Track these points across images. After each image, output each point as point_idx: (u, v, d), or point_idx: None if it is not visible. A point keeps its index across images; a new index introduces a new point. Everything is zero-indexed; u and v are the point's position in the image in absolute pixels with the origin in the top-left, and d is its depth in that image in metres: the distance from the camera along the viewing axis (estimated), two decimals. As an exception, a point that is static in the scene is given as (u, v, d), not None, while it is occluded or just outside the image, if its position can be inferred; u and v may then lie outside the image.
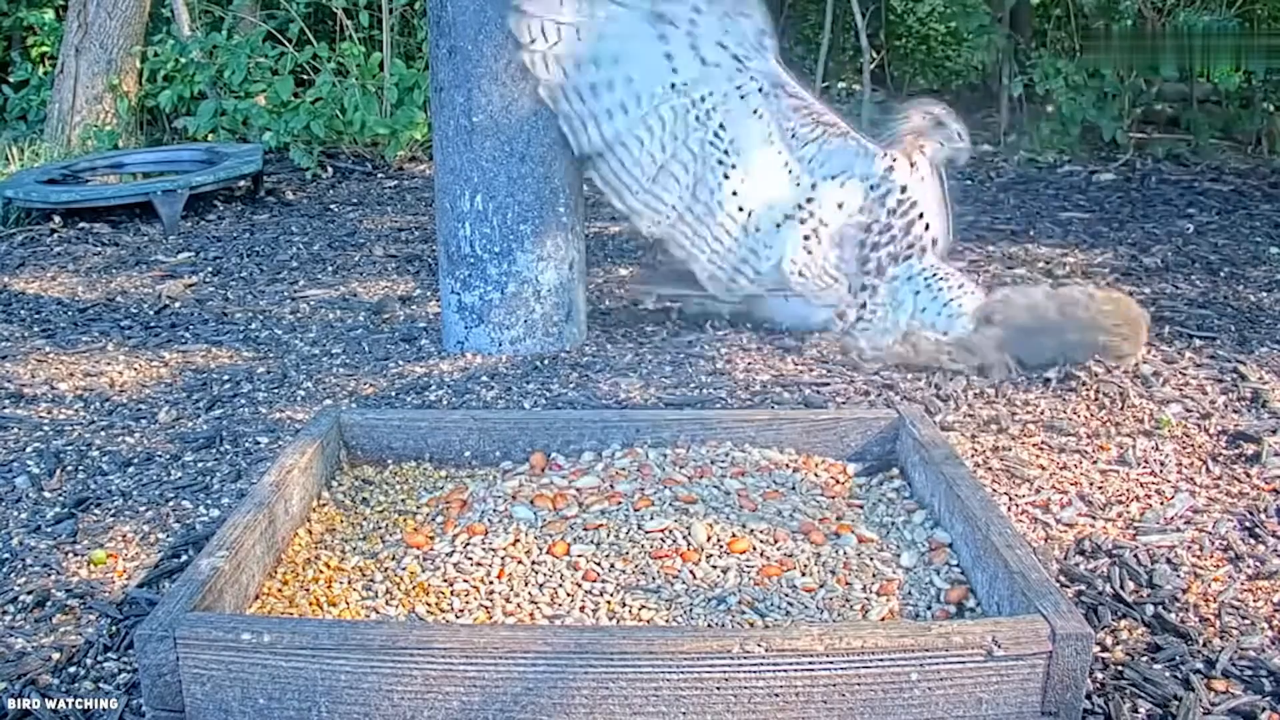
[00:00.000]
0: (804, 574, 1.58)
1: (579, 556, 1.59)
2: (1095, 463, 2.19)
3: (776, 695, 1.29)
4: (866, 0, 7.22)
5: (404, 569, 1.60)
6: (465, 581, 1.55)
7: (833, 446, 1.98)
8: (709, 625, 1.46)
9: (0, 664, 1.55)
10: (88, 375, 2.75)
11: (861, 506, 1.82)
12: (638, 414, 2.02)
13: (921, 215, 2.69)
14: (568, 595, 1.53)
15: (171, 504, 2.05)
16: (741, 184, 2.67)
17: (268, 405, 2.54)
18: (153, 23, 6.31)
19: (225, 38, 5.76)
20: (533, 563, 1.59)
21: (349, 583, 1.61)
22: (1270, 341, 2.89)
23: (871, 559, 1.63)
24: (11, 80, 6.70)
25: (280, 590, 1.60)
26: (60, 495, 2.10)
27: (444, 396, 2.56)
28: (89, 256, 3.96)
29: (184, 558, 1.85)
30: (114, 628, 1.65)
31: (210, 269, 3.78)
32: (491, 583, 1.55)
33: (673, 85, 2.60)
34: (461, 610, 1.51)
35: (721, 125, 2.64)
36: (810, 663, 1.28)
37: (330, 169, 5.38)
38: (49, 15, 6.78)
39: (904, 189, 2.67)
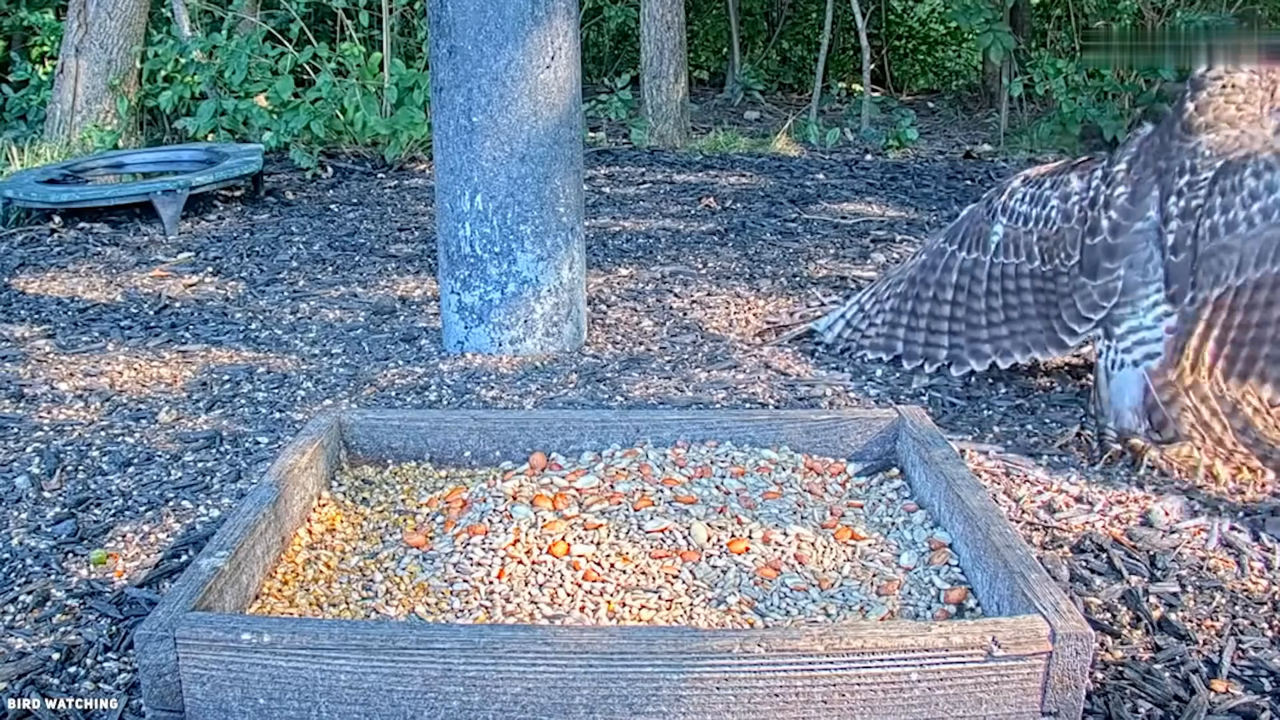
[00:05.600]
0: (804, 574, 1.58)
1: (579, 556, 1.59)
2: (1095, 463, 2.19)
3: (776, 695, 1.29)
4: (866, 0, 7.21)
5: (404, 569, 1.60)
6: (465, 581, 1.55)
7: (833, 446, 1.98)
8: (709, 625, 1.46)
9: (0, 664, 1.55)
10: (88, 375, 2.75)
11: (861, 506, 1.82)
12: (638, 414, 2.02)
13: None
14: (568, 595, 1.53)
15: (171, 504, 2.05)
16: None
17: (268, 405, 2.54)
18: (153, 23, 6.32)
19: (225, 38, 5.75)
20: (533, 563, 1.59)
21: (349, 583, 1.61)
22: (1270, 341, 2.89)
23: (872, 559, 1.63)
24: (11, 80, 6.70)
25: (280, 590, 1.60)
26: (60, 495, 2.10)
27: (444, 397, 2.56)
28: (89, 256, 3.96)
29: (184, 558, 1.85)
30: (114, 628, 1.65)
31: (210, 269, 3.78)
32: (491, 583, 1.55)
33: None
34: (461, 610, 1.51)
35: None
36: (810, 663, 1.28)
37: (330, 169, 5.38)
38: (49, 15, 6.78)
39: None
